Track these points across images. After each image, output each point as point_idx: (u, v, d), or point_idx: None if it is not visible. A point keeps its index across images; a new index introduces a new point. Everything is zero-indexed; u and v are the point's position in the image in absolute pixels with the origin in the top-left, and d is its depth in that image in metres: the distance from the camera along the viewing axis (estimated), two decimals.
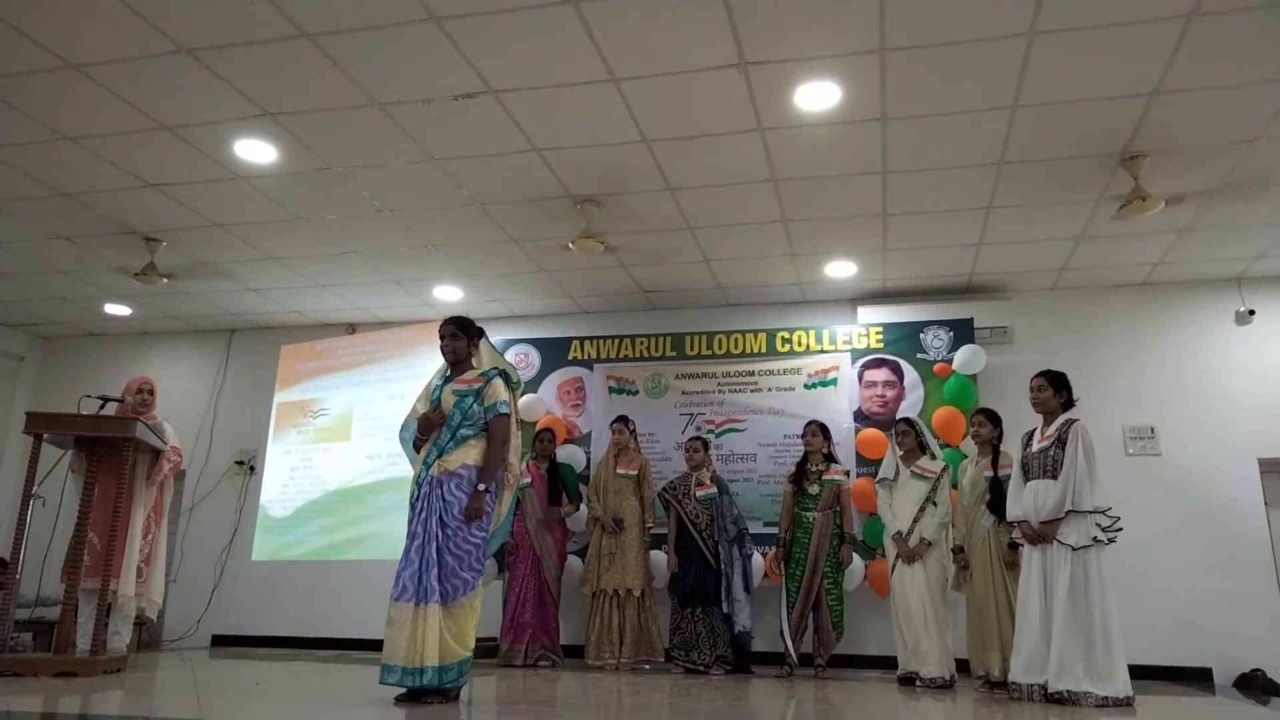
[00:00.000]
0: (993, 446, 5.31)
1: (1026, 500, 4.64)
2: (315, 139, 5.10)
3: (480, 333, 4.36)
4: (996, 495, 5.08)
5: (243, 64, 4.38)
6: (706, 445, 6.41)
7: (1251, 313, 6.77)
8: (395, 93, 4.61)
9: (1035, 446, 4.72)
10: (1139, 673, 6.16)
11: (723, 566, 5.98)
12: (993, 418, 5.39)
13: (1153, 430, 6.73)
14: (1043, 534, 4.51)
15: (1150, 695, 5.27)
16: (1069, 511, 4.44)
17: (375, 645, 4.14)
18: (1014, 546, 4.96)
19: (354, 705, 3.99)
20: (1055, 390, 4.76)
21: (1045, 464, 4.61)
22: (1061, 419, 4.67)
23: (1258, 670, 5.99)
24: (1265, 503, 6.45)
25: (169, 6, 3.95)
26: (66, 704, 3.74)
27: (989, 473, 5.20)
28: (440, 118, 4.82)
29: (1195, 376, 6.76)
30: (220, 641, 7.80)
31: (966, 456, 5.87)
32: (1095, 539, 4.39)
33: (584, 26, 4.02)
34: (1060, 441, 4.58)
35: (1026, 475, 4.71)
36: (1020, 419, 5.47)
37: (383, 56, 4.29)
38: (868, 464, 6.61)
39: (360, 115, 4.82)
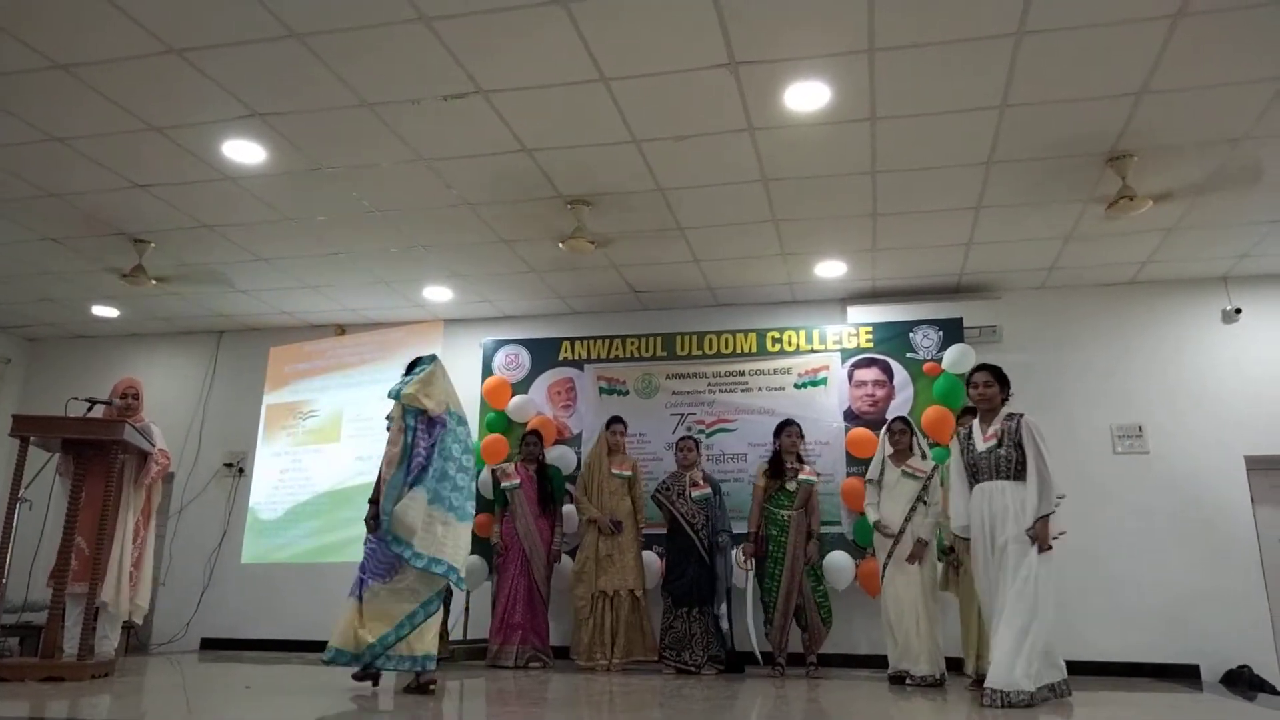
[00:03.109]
0: None
1: (977, 503, 4.46)
2: (304, 140, 5.09)
3: (424, 360, 4.71)
4: None
5: (232, 64, 4.36)
6: (698, 445, 6.41)
7: (1238, 311, 6.81)
8: (384, 93, 4.60)
9: (981, 446, 4.52)
10: (1126, 670, 6.24)
11: (717, 567, 5.99)
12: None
13: (1140, 429, 6.77)
14: (1043, 538, 4.27)
15: (1137, 692, 5.30)
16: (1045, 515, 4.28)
17: None
18: None
19: (347, 706, 3.98)
20: (1000, 386, 4.60)
21: (996, 464, 4.44)
22: (1003, 414, 4.52)
23: (1244, 667, 6.03)
24: (1252, 500, 6.49)
25: (158, 7, 3.94)
26: (54, 709, 3.71)
27: None
28: (430, 118, 4.81)
29: (1183, 375, 6.80)
30: (209, 645, 7.76)
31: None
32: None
33: (573, 26, 4.02)
34: (1011, 440, 4.41)
35: (975, 477, 4.53)
36: None
37: (372, 57, 4.28)
38: (857, 463, 6.62)
39: (349, 116, 4.80)
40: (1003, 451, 4.42)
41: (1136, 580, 6.39)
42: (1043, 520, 4.29)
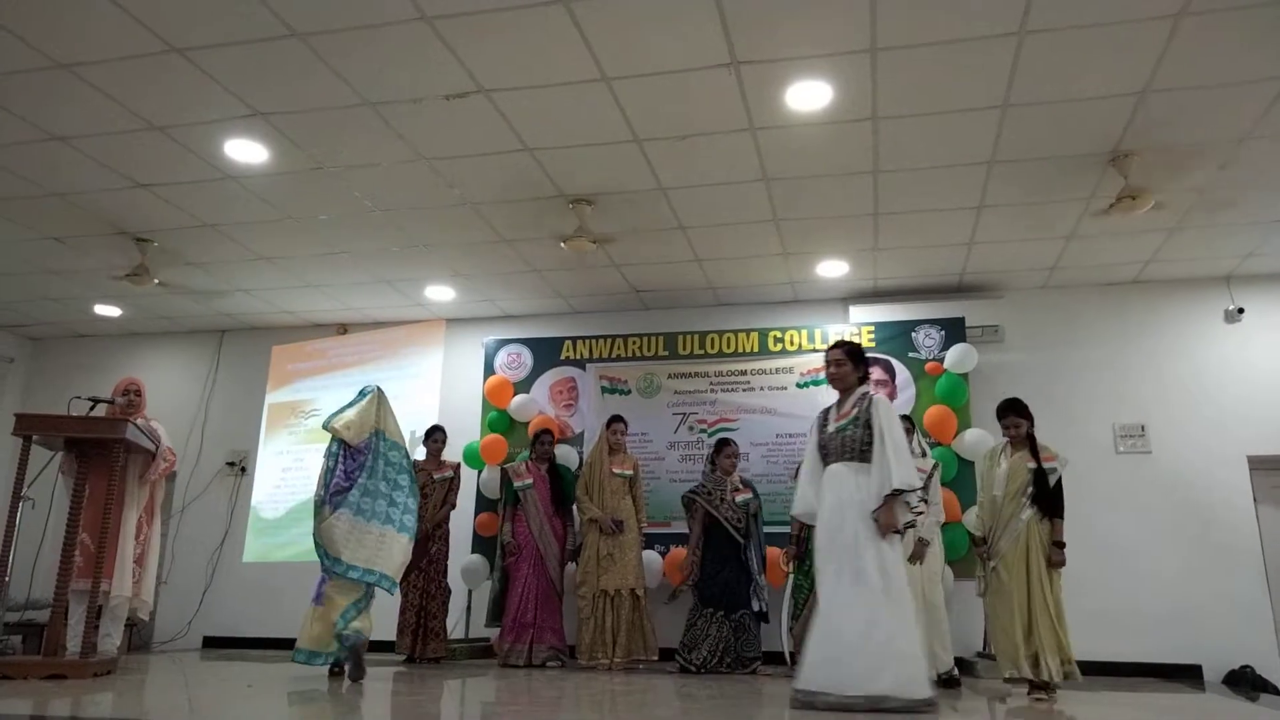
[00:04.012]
0: (1028, 437, 5.04)
1: (827, 487, 4.14)
2: (306, 139, 5.09)
3: (365, 390, 5.21)
4: (1041, 488, 4.86)
5: (233, 63, 4.37)
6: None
7: (1241, 311, 6.80)
8: (386, 92, 4.60)
9: (832, 426, 4.24)
10: (1128, 670, 6.23)
11: (754, 570, 5.96)
12: (1024, 413, 5.07)
13: (1143, 428, 6.76)
14: (890, 524, 3.95)
15: (1140, 693, 5.30)
16: (891, 493, 3.95)
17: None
18: (1060, 545, 4.75)
19: (343, 705, 3.98)
20: (854, 364, 4.30)
21: (843, 444, 4.14)
22: (858, 393, 4.25)
23: (1247, 667, 6.02)
24: (1254, 500, 6.48)
25: (159, 6, 3.94)
26: (56, 707, 3.71)
27: (1031, 464, 4.93)
28: (431, 117, 4.81)
29: (1185, 375, 6.79)
30: (211, 643, 7.77)
31: (983, 452, 5.70)
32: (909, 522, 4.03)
33: (575, 26, 4.02)
34: (861, 420, 4.13)
35: (825, 459, 4.24)
36: None
37: (374, 56, 4.29)
38: None
39: (351, 115, 4.81)
40: (849, 432, 4.15)
41: (1138, 580, 6.37)
42: (885, 504, 3.96)
